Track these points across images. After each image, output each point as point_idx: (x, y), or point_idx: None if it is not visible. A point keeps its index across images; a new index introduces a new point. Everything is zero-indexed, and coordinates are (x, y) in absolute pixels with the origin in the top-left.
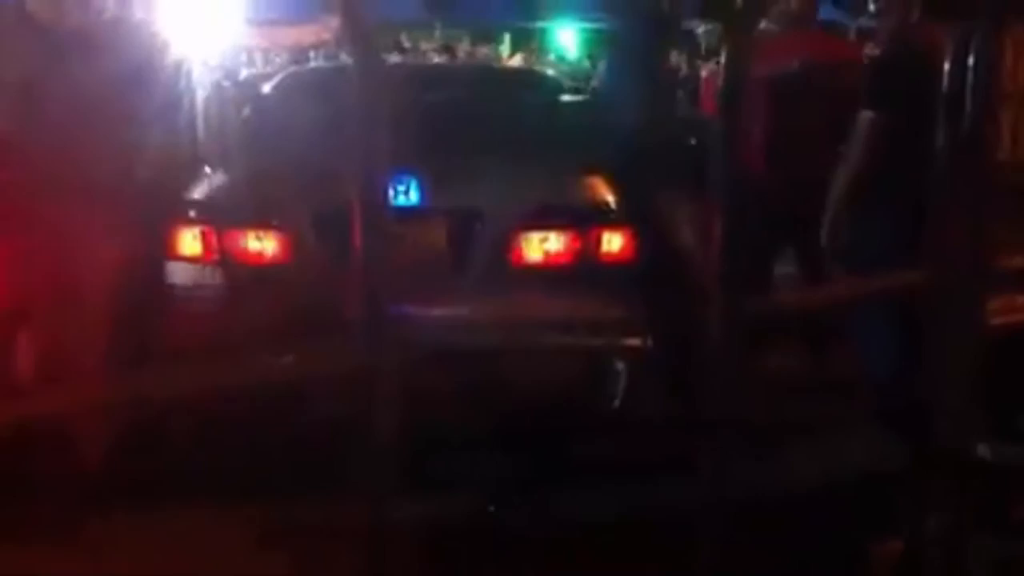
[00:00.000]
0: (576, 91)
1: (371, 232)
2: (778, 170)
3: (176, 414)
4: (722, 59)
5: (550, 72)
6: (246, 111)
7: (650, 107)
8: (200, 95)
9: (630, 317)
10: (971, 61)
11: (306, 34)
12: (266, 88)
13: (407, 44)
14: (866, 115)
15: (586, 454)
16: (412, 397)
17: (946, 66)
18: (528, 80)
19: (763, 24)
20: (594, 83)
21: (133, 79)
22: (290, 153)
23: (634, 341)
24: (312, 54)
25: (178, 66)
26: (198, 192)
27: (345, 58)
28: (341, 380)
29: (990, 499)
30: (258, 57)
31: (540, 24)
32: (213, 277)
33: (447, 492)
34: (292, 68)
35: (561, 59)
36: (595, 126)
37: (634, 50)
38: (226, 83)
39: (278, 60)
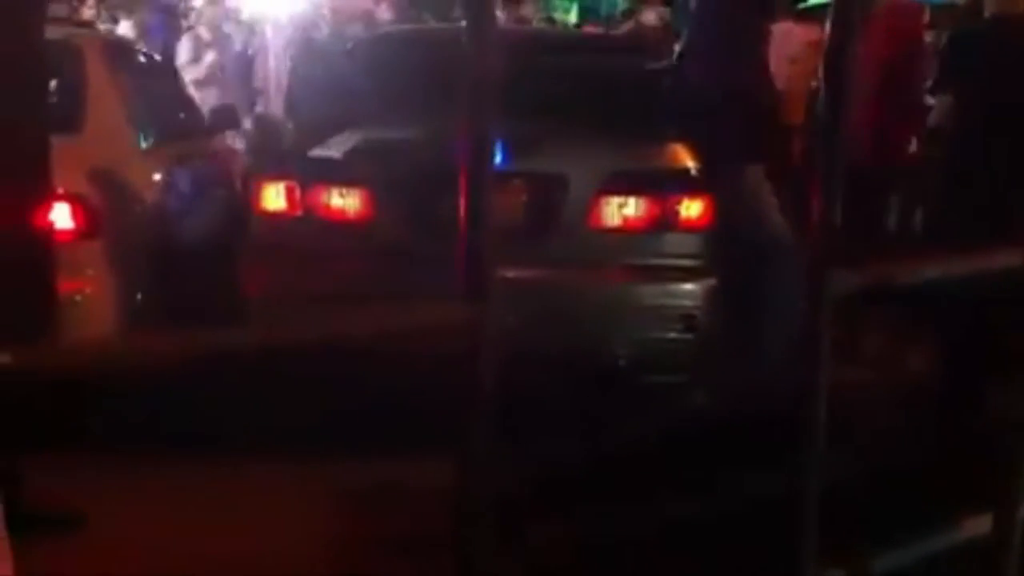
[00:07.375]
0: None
1: (477, 193)
2: None
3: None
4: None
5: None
6: (330, 71)
7: (734, 75)
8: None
9: (705, 283)
10: None
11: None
12: (349, 49)
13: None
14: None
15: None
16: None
17: None
18: (612, 46)
19: None
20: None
21: None
22: (375, 112)
23: (708, 307)
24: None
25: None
26: (283, 149)
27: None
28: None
29: None
30: (323, 23)
31: None
32: (296, 232)
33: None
34: (374, 31)
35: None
36: (678, 93)
37: (719, 18)
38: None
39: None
